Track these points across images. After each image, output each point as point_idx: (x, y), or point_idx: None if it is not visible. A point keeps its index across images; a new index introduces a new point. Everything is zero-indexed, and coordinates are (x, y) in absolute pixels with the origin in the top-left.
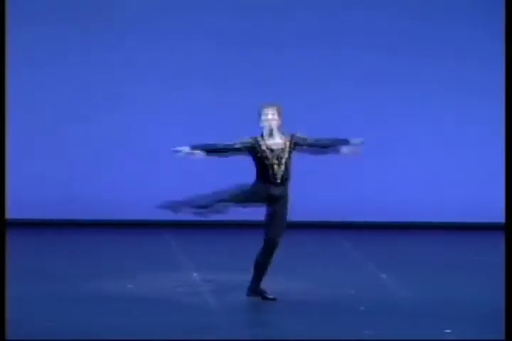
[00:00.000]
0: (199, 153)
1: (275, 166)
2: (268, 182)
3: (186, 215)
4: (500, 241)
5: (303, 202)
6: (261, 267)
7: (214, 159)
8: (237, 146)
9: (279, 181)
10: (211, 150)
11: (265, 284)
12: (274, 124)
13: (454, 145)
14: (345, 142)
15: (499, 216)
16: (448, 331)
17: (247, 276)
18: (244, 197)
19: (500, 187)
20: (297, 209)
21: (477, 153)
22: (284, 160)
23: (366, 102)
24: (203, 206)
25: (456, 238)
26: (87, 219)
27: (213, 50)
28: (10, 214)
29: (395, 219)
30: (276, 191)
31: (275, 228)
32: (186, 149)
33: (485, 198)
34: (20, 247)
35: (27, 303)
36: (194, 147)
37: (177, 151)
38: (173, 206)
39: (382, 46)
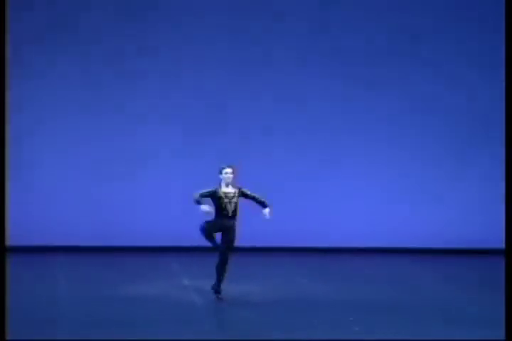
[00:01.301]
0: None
1: (228, 205)
2: (222, 216)
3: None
4: (429, 262)
5: (271, 230)
6: (219, 272)
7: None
8: (209, 191)
9: (230, 215)
10: (202, 195)
11: (234, 289)
12: (230, 179)
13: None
14: (265, 206)
15: (428, 242)
16: (351, 319)
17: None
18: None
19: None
20: (267, 237)
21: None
22: (233, 201)
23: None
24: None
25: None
26: (110, 245)
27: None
28: (52, 241)
29: (341, 245)
30: (228, 222)
31: (226, 249)
32: (205, 207)
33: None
34: (59, 266)
35: (67, 303)
36: (201, 195)
37: (201, 209)
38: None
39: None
